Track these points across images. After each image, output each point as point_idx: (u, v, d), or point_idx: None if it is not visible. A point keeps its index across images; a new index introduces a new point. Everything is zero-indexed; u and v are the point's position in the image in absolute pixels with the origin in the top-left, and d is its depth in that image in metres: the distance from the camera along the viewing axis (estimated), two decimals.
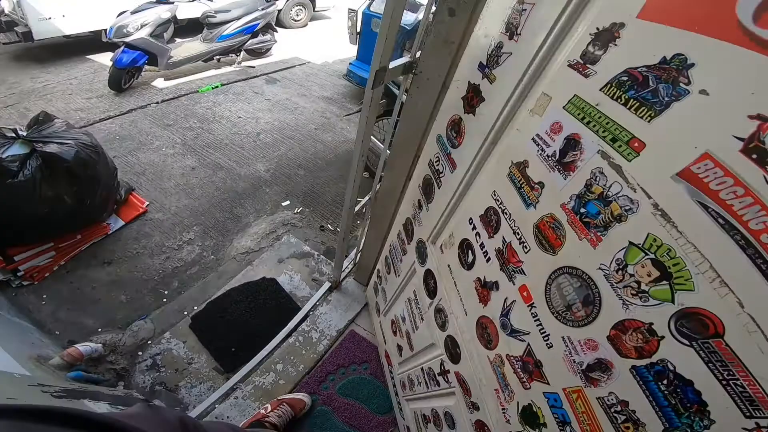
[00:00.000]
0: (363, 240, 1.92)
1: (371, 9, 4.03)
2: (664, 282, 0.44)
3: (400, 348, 1.49)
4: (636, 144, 0.50)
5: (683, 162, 0.43)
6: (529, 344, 0.71)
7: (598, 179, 0.55)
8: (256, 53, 5.10)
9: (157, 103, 3.76)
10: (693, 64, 0.43)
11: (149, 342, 1.91)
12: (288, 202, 2.86)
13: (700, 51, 0.42)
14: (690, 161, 0.42)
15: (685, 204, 0.42)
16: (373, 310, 1.93)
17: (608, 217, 0.53)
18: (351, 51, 4.89)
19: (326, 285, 2.13)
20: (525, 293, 0.71)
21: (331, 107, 4.36)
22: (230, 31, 4.47)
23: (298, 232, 2.62)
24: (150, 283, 2.21)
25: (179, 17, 4.30)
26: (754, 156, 0.36)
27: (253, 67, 4.95)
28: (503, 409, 0.81)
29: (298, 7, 6.57)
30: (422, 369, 1.27)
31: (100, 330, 1.94)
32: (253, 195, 2.88)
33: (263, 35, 4.96)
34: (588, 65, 0.58)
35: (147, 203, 2.63)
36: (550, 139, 0.65)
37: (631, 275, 0.49)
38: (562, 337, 0.61)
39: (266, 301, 2.15)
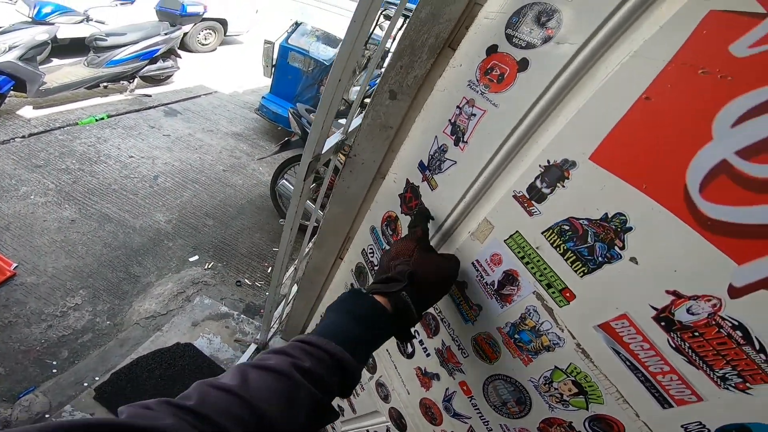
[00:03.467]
0: (291, 304, 2.06)
1: (289, 42, 4.35)
2: (581, 396, 0.61)
3: (341, 408, 1.64)
4: (568, 294, 0.59)
5: (605, 317, 0.55)
6: (471, 426, 0.87)
7: (531, 315, 0.66)
8: (154, 80, 5.04)
9: (23, 137, 3.50)
10: (631, 228, 0.51)
11: (47, 416, 1.84)
12: (196, 257, 2.88)
13: (641, 214, 0.50)
14: (610, 318, 0.54)
15: (602, 348, 0.56)
16: None
17: (539, 346, 0.66)
18: (264, 80, 5.06)
19: (252, 347, 2.21)
20: (465, 387, 0.86)
21: (242, 145, 4.46)
22: (123, 55, 4.39)
23: (211, 291, 2.66)
24: (32, 353, 2.09)
25: (60, 36, 4.11)
26: (663, 323, 0.49)
27: (150, 95, 4.87)
28: None
29: (207, 30, 6.68)
30: (368, 431, 1.42)
31: None
32: (153, 251, 2.84)
33: (164, 61, 4.94)
34: (534, 202, 0.63)
35: (15, 265, 2.45)
36: (490, 268, 0.72)
37: (556, 389, 0.65)
38: (500, 424, 0.79)
39: (185, 367, 2.15)
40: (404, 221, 1.02)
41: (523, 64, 0.66)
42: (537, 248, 0.63)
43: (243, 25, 7.39)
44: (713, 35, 0.45)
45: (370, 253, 1.21)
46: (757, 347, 0.41)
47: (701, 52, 0.46)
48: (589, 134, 0.55)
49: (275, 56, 4.44)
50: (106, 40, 4.27)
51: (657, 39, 0.50)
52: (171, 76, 5.24)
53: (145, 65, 4.70)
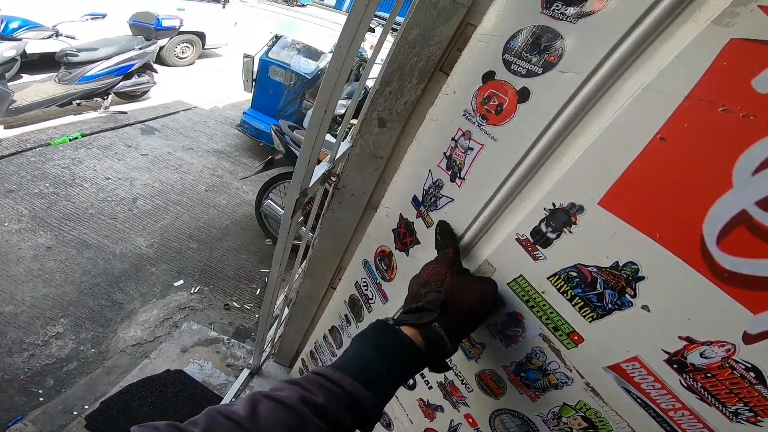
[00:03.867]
0: (283, 328, 2.04)
1: (269, 56, 4.35)
2: (591, 430, 0.60)
3: None
4: (576, 337, 0.58)
5: (615, 359, 0.54)
6: None
7: (538, 356, 0.65)
8: (129, 96, 4.96)
9: None
10: (643, 278, 0.49)
11: None
12: (181, 282, 2.83)
13: (654, 264, 0.48)
14: (621, 360, 0.53)
15: (612, 387, 0.55)
16: None
17: (546, 384, 0.65)
18: (245, 94, 5.02)
19: (245, 372, 2.17)
20: (470, 420, 0.84)
21: (224, 163, 4.40)
22: (96, 71, 4.29)
23: (199, 316, 2.61)
24: (16, 382, 2.04)
25: (29, 52, 4.00)
26: (675, 366, 0.48)
27: (125, 112, 4.77)
28: None
29: (185, 44, 6.61)
30: None
31: None
32: (136, 277, 2.78)
33: (139, 76, 4.86)
34: (538, 247, 0.60)
35: None
36: None
37: (565, 423, 0.64)
38: None
39: (177, 394, 2.12)
40: (399, 257, 0.97)
41: (524, 95, 0.62)
42: (542, 293, 0.61)
43: (221, 38, 7.36)
44: (735, 67, 0.41)
45: (363, 285, 1.17)
46: None
47: (721, 86, 0.42)
48: (598, 177, 0.52)
49: (255, 70, 4.42)
50: (78, 56, 4.18)
51: (672, 70, 0.46)
52: (147, 91, 5.16)
53: (120, 81, 4.62)
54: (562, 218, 0.57)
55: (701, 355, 0.46)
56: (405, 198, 0.92)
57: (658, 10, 0.48)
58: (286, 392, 0.50)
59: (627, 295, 0.51)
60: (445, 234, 0.74)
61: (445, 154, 0.78)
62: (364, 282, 1.16)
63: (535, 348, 0.65)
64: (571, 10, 0.57)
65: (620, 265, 0.51)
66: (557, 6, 0.59)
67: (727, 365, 0.45)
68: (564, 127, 0.57)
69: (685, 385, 0.49)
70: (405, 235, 0.93)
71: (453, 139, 0.76)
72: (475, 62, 0.73)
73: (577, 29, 0.56)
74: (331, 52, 4.54)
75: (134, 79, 4.82)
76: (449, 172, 0.77)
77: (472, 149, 0.71)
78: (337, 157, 1.26)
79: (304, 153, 0.94)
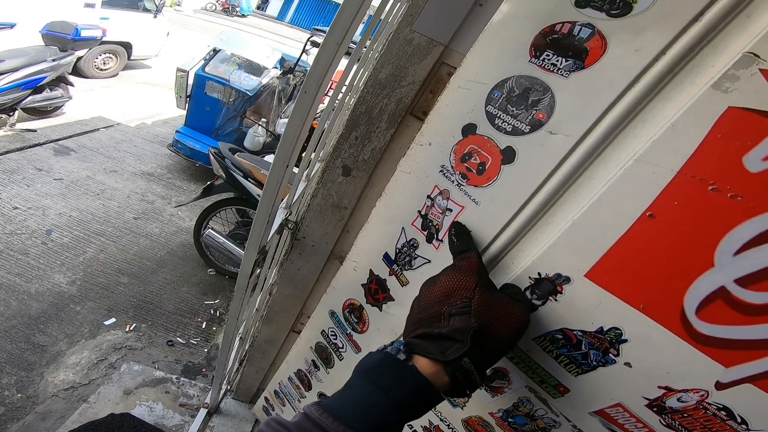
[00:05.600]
0: (237, 363, 1.94)
1: (206, 70, 4.16)
2: None
3: None
4: (561, 389, 0.61)
5: (600, 405, 0.58)
6: None
7: (525, 404, 0.68)
8: (40, 112, 4.46)
9: None
10: (626, 340, 0.52)
11: None
12: (113, 320, 2.58)
13: (637, 330, 0.51)
14: (605, 406, 0.57)
15: (598, 428, 0.60)
16: None
17: (534, 428, 0.68)
18: (177, 110, 4.74)
19: (202, 412, 2.03)
20: None
21: (154, 187, 4.08)
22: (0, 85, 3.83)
23: (140, 355, 2.41)
24: None
25: None
26: (655, 409, 0.54)
27: (34, 130, 4.26)
28: None
29: (107, 54, 6.07)
30: None
31: None
32: (57, 317, 2.49)
33: (51, 90, 4.41)
34: None
35: None
36: None
37: None
38: None
39: None
40: (371, 311, 0.91)
41: (509, 155, 0.58)
42: (528, 351, 0.63)
43: (151, 49, 6.90)
44: (728, 141, 0.41)
45: (332, 335, 1.10)
46: (739, 420, 0.49)
47: (713, 162, 0.42)
48: (586, 250, 0.52)
49: (190, 85, 4.19)
50: None
51: (666, 141, 0.45)
52: (61, 107, 4.68)
53: (28, 95, 4.15)
54: (547, 287, 0.57)
55: (678, 400, 0.53)
56: (375, 254, 0.86)
57: (656, 68, 0.46)
58: None
59: (611, 355, 0.54)
60: (464, 237, 0.63)
61: (420, 212, 0.73)
62: (332, 332, 1.10)
63: (522, 397, 0.68)
64: (562, 62, 0.54)
65: (605, 329, 0.54)
66: (548, 56, 0.55)
67: (701, 407, 0.51)
68: (551, 196, 0.55)
69: (665, 423, 0.55)
70: (377, 291, 0.89)
71: (429, 196, 0.71)
72: (455, 111, 0.67)
73: (569, 84, 0.53)
74: (275, 67, 4.45)
75: (45, 93, 4.37)
76: (425, 233, 0.72)
77: (450, 210, 0.67)
78: (294, 200, 1.18)
79: (262, 211, 0.84)
